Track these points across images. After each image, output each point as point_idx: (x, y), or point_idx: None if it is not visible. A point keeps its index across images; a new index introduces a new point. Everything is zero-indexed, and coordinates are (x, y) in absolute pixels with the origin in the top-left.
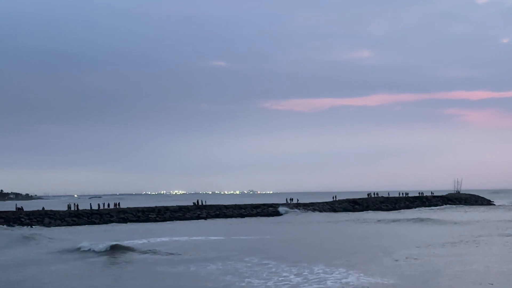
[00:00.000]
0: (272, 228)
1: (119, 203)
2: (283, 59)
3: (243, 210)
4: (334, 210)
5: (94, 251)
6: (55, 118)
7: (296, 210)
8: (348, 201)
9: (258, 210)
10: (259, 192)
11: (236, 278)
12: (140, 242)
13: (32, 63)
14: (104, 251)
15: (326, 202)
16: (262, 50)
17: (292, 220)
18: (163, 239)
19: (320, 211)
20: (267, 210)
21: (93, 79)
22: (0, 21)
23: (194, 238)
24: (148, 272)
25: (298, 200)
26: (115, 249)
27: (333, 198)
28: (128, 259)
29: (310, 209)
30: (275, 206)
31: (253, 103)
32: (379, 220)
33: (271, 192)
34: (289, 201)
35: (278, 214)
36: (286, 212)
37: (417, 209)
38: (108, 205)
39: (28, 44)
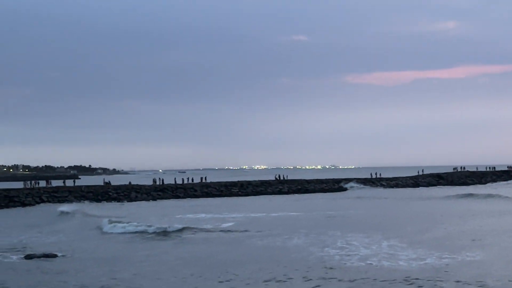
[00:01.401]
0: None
1: (205, 178)
2: (365, 32)
3: (324, 185)
4: (417, 185)
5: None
6: (141, 95)
7: (364, 186)
8: (432, 175)
9: (332, 185)
10: (340, 167)
11: (322, 250)
12: (223, 216)
13: (118, 42)
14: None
15: (409, 177)
16: (343, 24)
17: (362, 195)
18: (250, 214)
19: (403, 186)
20: (335, 186)
21: (176, 56)
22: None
23: (275, 214)
24: (238, 245)
25: (380, 175)
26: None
27: (418, 172)
28: (213, 235)
29: (382, 185)
30: (347, 181)
31: (334, 77)
32: (452, 196)
33: (353, 166)
34: (373, 176)
35: (343, 189)
36: (352, 188)
37: (504, 182)
38: (192, 179)
39: (112, 24)
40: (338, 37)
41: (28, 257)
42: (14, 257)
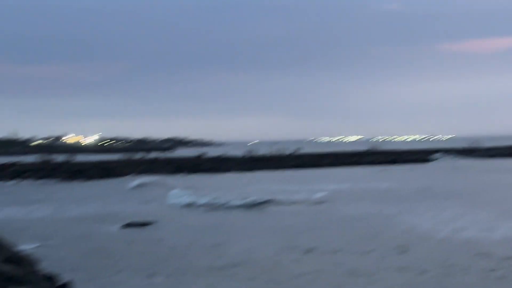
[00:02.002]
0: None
1: (299, 149)
2: None
3: (416, 156)
4: None
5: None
6: (233, 67)
7: (456, 156)
8: None
9: (424, 156)
10: (438, 137)
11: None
12: (313, 187)
13: (212, 15)
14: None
15: (508, 147)
16: None
17: (455, 166)
18: (341, 185)
19: (503, 155)
20: (426, 156)
21: (264, 28)
22: None
23: (365, 185)
24: (329, 215)
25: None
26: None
27: None
28: (301, 206)
29: (477, 156)
30: (437, 151)
31: (428, 45)
32: None
33: (451, 136)
34: (471, 145)
35: (433, 160)
36: (443, 158)
37: None
38: (285, 151)
39: None
40: (431, 4)
41: (127, 226)
42: (110, 226)
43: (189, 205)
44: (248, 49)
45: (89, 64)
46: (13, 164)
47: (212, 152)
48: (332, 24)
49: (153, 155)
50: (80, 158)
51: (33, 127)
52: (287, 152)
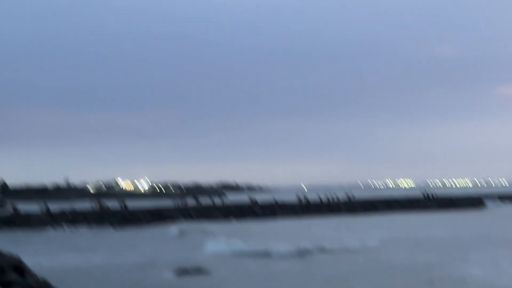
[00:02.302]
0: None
1: (353, 195)
2: None
3: (471, 202)
4: None
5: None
6: (284, 113)
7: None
8: None
9: (475, 202)
10: (492, 182)
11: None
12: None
13: (266, 62)
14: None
15: None
16: (492, 34)
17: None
18: (395, 232)
19: None
20: (477, 203)
21: (319, 74)
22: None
23: (420, 233)
24: (379, 264)
25: None
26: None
27: None
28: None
29: None
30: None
31: (483, 88)
32: None
33: (506, 181)
34: None
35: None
36: (493, 205)
37: None
38: (337, 196)
39: (262, 42)
40: (486, 48)
41: (181, 272)
42: (164, 273)
43: (232, 253)
44: (301, 95)
45: (141, 111)
46: (67, 211)
47: (262, 197)
48: (387, 68)
49: (204, 200)
50: (133, 203)
51: (85, 173)
52: (340, 197)
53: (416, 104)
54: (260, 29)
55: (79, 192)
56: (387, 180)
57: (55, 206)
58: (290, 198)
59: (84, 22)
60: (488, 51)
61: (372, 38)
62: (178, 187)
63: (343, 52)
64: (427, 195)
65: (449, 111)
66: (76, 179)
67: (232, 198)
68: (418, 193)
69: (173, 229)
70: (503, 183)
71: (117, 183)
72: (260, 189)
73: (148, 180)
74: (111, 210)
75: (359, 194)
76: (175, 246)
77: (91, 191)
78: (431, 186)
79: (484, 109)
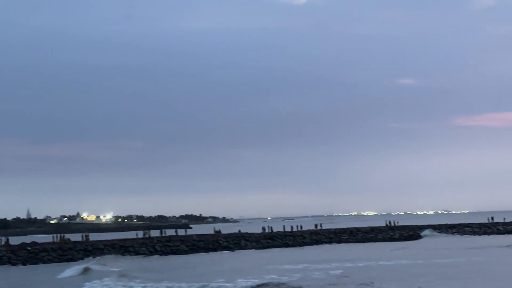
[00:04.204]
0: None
1: (321, 224)
2: (474, 73)
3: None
4: None
5: None
6: (246, 143)
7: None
8: None
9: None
10: (453, 212)
11: None
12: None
13: (222, 92)
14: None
15: None
16: (451, 65)
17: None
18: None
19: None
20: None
21: (282, 104)
22: (192, 55)
23: (388, 262)
24: None
25: (493, 219)
26: None
27: None
28: None
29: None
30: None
31: (444, 120)
32: None
33: (467, 211)
34: (490, 220)
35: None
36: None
37: None
38: (301, 227)
39: (217, 75)
40: (446, 79)
41: None
42: None
43: None
44: (265, 126)
45: (104, 143)
46: (28, 244)
47: (227, 229)
48: (348, 100)
49: (169, 232)
50: (96, 237)
51: (47, 206)
52: (304, 228)
53: (378, 136)
54: (215, 65)
55: (41, 226)
56: (352, 212)
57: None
58: (255, 229)
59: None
60: (448, 83)
61: (334, 72)
62: (143, 219)
63: (309, 83)
64: (391, 224)
65: (412, 142)
66: (39, 213)
67: (197, 229)
68: (382, 224)
69: (75, 268)
70: (466, 212)
71: (81, 217)
72: (225, 220)
73: (112, 214)
74: (73, 243)
75: (324, 225)
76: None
77: (54, 224)
78: (395, 216)
79: (446, 140)
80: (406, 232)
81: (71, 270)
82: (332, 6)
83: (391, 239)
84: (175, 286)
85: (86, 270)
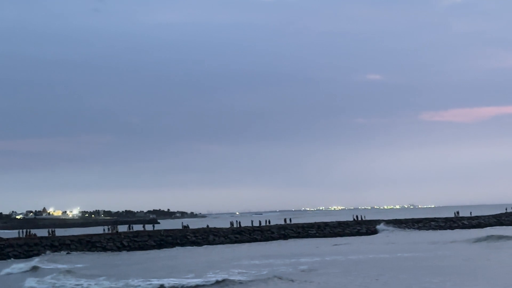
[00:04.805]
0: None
1: (290, 219)
2: (441, 70)
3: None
4: (501, 224)
5: None
6: (215, 139)
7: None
8: None
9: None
10: (420, 206)
11: None
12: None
13: (189, 87)
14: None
15: (492, 215)
16: (418, 62)
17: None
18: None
19: (485, 225)
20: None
21: (250, 99)
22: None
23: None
24: None
25: (458, 213)
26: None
27: (506, 210)
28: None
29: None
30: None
31: (411, 115)
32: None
33: (433, 206)
34: (456, 214)
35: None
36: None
37: None
38: (269, 221)
39: (185, 70)
40: (414, 75)
41: None
42: None
43: None
44: (234, 121)
45: (71, 138)
46: None
47: (195, 224)
48: (316, 94)
49: (137, 227)
50: (63, 232)
51: (12, 201)
52: (272, 223)
53: (346, 131)
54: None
55: (7, 221)
56: (320, 207)
57: None
58: (224, 224)
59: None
60: (413, 80)
61: (301, 68)
62: (111, 215)
63: (276, 78)
64: (358, 218)
65: (380, 137)
66: (5, 208)
67: (165, 224)
68: (349, 218)
69: (22, 265)
70: (429, 206)
71: (47, 212)
72: (194, 215)
73: (79, 210)
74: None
75: (293, 220)
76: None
77: (20, 219)
78: (362, 211)
79: (413, 136)
80: (373, 227)
81: (19, 266)
82: (301, 3)
83: (358, 233)
84: (110, 282)
85: (34, 268)
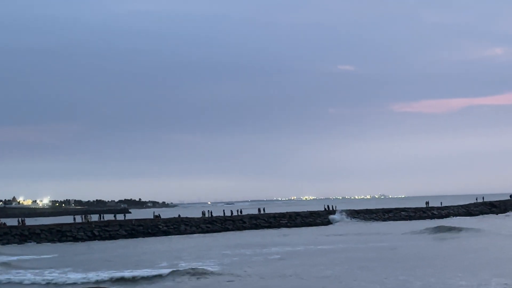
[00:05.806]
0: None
1: (264, 209)
2: (412, 61)
3: (376, 215)
4: (470, 214)
5: None
6: (187, 128)
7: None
8: (484, 203)
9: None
10: (390, 197)
11: None
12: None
13: (159, 77)
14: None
15: (461, 205)
16: (389, 53)
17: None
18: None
19: (454, 215)
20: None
21: (221, 90)
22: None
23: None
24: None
25: (428, 204)
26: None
27: (476, 199)
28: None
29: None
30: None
31: (382, 106)
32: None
33: (404, 196)
34: (426, 205)
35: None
36: (338, 222)
37: None
38: (241, 211)
39: (157, 59)
40: (385, 66)
41: None
42: None
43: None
44: (204, 110)
45: (40, 126)
46: None
47: (167, 213)
48: (288, 84)
49: (108, 217)
50: (33, 221)
51: None
52: (243, 213)
53: (317, 121)
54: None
55: None
56: (291, 197)
57: None
58: (195, 214)
59: None
60: (384, 71)
61: (273, 59)
62: (81, 204)
63: (248, 70)
64: (329, 208)
65: (351, 128)
66: None
67: (137, 214)
68: (320, 208)
69: None
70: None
71: (17, 201)
72: (165, 205)
73: (49, 199)
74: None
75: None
76: None
77: None
78: (333, 201)
79: (384, 126)
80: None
81: None
82: None
83: (330, 223)
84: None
85: None
